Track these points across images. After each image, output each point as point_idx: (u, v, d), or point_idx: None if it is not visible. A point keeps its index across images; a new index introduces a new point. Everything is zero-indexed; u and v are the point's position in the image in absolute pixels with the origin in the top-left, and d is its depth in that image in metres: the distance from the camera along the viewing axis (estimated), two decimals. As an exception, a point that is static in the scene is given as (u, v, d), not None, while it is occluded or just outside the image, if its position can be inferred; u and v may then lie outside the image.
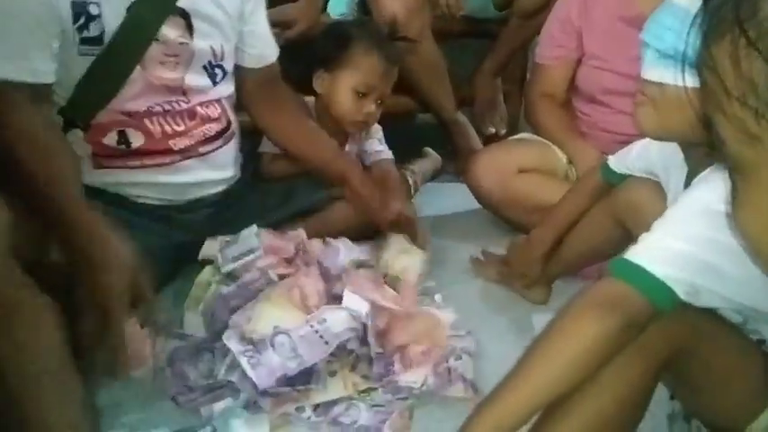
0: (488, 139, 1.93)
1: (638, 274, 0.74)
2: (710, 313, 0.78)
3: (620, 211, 1.12)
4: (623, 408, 0.76)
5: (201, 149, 1.27)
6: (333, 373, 1.05)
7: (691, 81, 0.81)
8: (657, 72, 0.87)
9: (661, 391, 0.86)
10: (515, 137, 1.69)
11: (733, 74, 0.37)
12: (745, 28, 0.36)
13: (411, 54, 1.69)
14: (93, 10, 1.08)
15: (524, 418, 0.75)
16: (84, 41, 1.09)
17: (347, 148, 1.58)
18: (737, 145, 0.39)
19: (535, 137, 1.63)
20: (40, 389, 0.76)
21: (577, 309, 0.75)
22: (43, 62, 1.01)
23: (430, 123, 1.99)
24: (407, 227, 1.40)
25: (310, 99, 1.57)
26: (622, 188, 1.13)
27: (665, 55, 0.86)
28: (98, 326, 0.84)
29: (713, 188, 0.74)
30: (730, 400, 0.80)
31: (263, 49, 1.36)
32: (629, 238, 1.12)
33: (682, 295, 0.73)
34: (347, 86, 1.47)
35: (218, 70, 1.26)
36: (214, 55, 1.24)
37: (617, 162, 1.15)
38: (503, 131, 1.98)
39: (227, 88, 1.30)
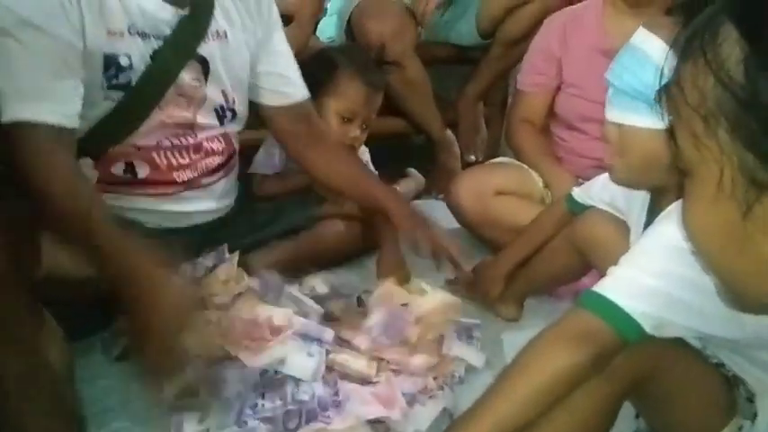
0: (468, 164, 1.99)
1: (608, 308, 0.76)
2: (674, 340, 0.80)
3: (579, 240, 1.17)
4: (590, 429, 0.80)
5: (204, 181, 1.31)
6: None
7: (644, 121, 0.87)
8: (616, 113, 0.90)
9: (627, 409, 0.90)
10: (495, 160, 1.76)
11: (691, 87, 0.44)
12: (705, 50, 0.43)
13: (397, 75, 1.75)
14: (124, 61, 1.11)
15: None
16: (111, 87, 1.12)
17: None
18: (688, 148, 0.45)
19: (514, 161, 1.70)
20: (28, 405, 0.79)
21: (549, 340, 0.78)
22: (72, 106, 1.02)
23: (413, 143, 2.05)
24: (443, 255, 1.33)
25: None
26: (582, 220, 1.18)
27: (623, 93, 0.88)
28: (160, 364, 0.89)
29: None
30: (691, 420, 0.84)
31: (287, 87, 1.35)
32: (588, 266, 1.19)
33: (648, 329, 0.75)
34: (332, 112, 1.52)
35: (228, 113, 1.30)
36: (226, 100, 1.28)
37: (581, 193, 1.21)
38: (480, 158, 2.04)
39: (234, 127, 1.34)
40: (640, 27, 0.89)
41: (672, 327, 0.76)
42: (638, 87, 0.85)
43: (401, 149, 2.08)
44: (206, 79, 1.23)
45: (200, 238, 1.36)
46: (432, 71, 1.89)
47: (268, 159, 1.58)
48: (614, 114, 0.90)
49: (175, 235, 1.32)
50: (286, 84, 1.36)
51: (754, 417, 0.83)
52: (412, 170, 2.03)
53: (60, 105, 1.00)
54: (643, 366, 0.79)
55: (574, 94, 1.59)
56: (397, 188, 1.87)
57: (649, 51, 0.85)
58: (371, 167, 1.65)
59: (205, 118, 1.26)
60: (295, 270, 1.39)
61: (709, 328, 0.77)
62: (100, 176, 1.20)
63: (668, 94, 0.47)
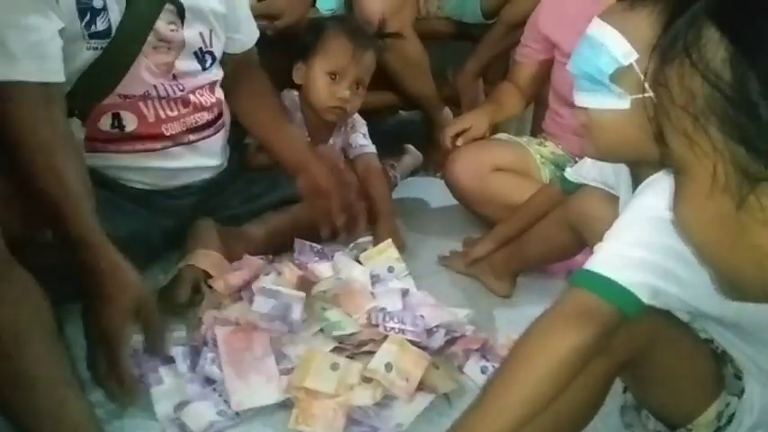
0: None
1: (603, 284, 0.74)
2: (667, 315, 0.80)
3: (573, 217, 1.18)
4: (580, 408, 0.79)
5: (192, 137, 1.31)
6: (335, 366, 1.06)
7: (607, 103, 0.90)
8: (582, 98, 0.93)
9: (615, 384, 0.89)
10: (493, 137, 1.74)
11: (678, 88, 0.46)
12: (690, 53, 0.44)
13: (394, 51, 1.73)
14: (98, 4, 1.11)
15: None
16: (92, 36, 1.11)
17: (331, 141, 1.63)
18: (679, 147, 0.47)
19: (512, 137, 1.70)
20: (30, 346, 0.78)
21: (548, 325, 0.76)
22: (55, 61, 1.00)
23: (411, 120, 2.04)
24: (352, 227, 1.39)
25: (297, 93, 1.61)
26: (575, 197, 1.19)
27: (584, 81, 0.92)
28: (105, 356, 0.87)
29: (659, 194, 0.76)
30: (680, 396, 0.84)
31: (245, 35, 1.40)
32: (582, 243, 1.19)
33: (646, 299, 0.74)
34: (320, 71, 1.52)
35: (207, 56, 1.31)
36: (203, 41, 1.28)
37: (573, 172, 1.22)
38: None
39: (216, 74, 1.34)
40: (595, 17, 0.91)
41: (666, 297, 0.76)
42: (594, 73, 0.89)
43: (399, 126, 2.07)
44: (182, 23, 1.23)
45: (193, 203, 1.36)
46: (430, 47, 1.88)
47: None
48: (580, 100, 0.94)
49: (167, 199, 1.32)
50: (247, 31, 1.40)
51: (741, 393, 0.84)
52: (409, 147, 2.03)
53: (44, 62, 0.98)
54: (638, 343, 0.79)
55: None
56: (394, 163, 1.87)
57: (602, 39, 0.88)
58: (368, 141, 1.65)
59: (185, 65, 1.26)
60: (289, 241, 1.39)
61: (697, 300, 0.76)
62: (88, 134, 1.19)
63: (656, 96, 0.48)
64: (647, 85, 0.77)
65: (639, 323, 0.77)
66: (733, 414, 0.83)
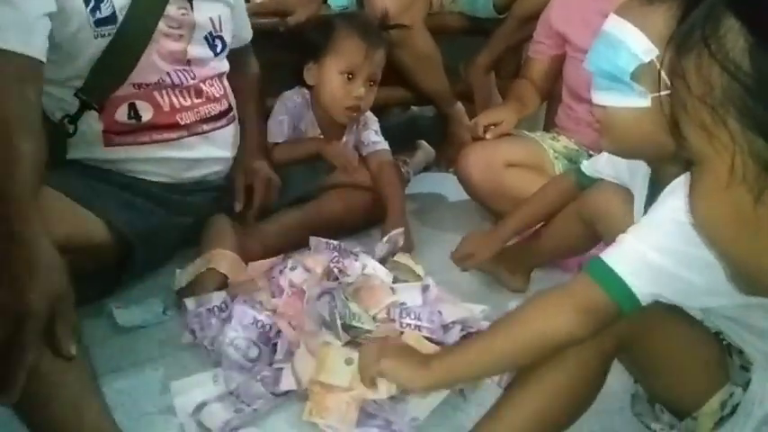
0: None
1: (611, 280, 0.78)
2: (667, 304, 0.81)
3: (590, 212, 1.17)
4: (579, 385, 0.83)
5: (206, 127, 1.33)
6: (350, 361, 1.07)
7: (626, 101, 0.89)
8: (600, 96, 0.92)
9: (625, 374, 0.93)
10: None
11: (696, 78, 0.45)
12: (708, 43, 0.44)
13: (406, 47, 1.74)
14: None
15: (475, 375, 0.92)
16: (98, 23, 1.12)
17: (344, 139, 1.63)
18: (696, 139, 0.46)
19: (524, 132, 1.69)
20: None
21: (555, 302, 0.81)
22: (38, 37, 0.99)
23: (423, 115, 2.04)
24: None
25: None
26: (591, 191, 1.18)
27: (603, 79, 0.90)
28: (5, 342, 0.73)
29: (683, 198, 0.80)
30: (684, 385, 0.85)
31: (241, 31, 1.45)
32: (596, 238, 1.19)
33: (643, 302, 0.77)
34: (334, 71, 1.52)
35: (217, 41, 1.33)
36: (213, 26, 1.31)
37: (589, 166, 1.21)
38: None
39: (224, 64, 1.38)
40: (611, 14, 0.90)
41: (670, 301, 0.78)
42: (614, 72, 0.87)
43: (411, 122, 2.08)
44: (191, 7, 1.26)
45: (209, 200, 1.38)
46: (442, 42, 1.87)
47: (276, 127, 1.58)
48: (598, 98, 0.93)
49: (183, 196, 1.33)
50: (243, 27, 1.47)
51: (746, 384, 0.84)
52: (422, 142, 2.03)
53: (28, 36, 0.97)
54: (634, 323, 0.81)
55: (580, 59, 1.58)
56: (407, 159, 1.87)
57: (621, 36, 0.87)
58: (380, 137, 1.65)
59: (197, 51, 1.29)
60: (302, 239, 1.40)
61: (710, 303, 0.79)
62: (105, 127, 1.21)
63: (672, 87, 0.48)
64: (667, 82, 0.79)
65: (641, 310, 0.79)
66: (737, 405, 0.83)
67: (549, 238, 1.31)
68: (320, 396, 1.02)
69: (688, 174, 0.80)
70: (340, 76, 1.52)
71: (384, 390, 1.03)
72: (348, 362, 1.06)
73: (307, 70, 1.57)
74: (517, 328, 0.83)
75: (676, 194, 0.80)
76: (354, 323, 1.15)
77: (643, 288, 0.77)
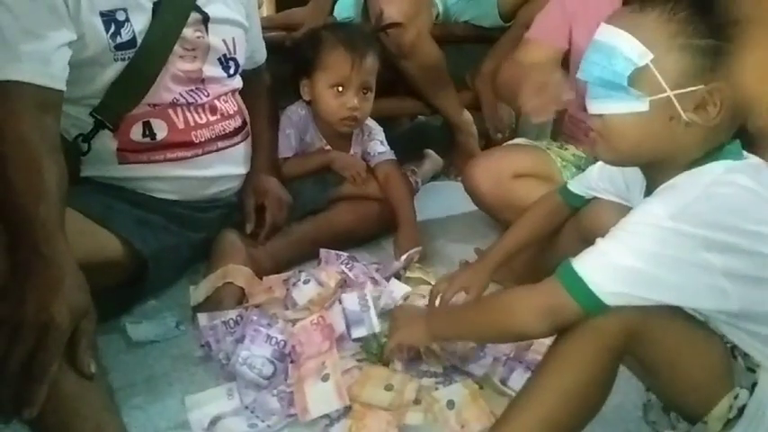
0: (487, 144, 1.99)
1: (578, 286, 0.81)
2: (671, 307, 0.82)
3: (584, 231, 1.15)
4: (584, 387, 0.82)
5: (220, 144, 1.34)
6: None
7: (625, 107, 0.90)
8: (597, 105, 0.91)
9: (639, 381, 0.93)
10: (512, 142, 1.74)
11: None
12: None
13: (413, 58, 1.74)
14: (120, 16, 1.14)
15: (458, 338, 1.09)
16: (119, 47, 1.15)
17: (351, 150, 1.64)
18: None
19: (532, 142, 1.69)
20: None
21: (522, 300, 0.87)
22: (57, 68, 1.02)
23: (431, 124, 2.05)
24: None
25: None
26: (586, 211, 1.17)
27: (599, 87, 0.90)
28: (28, 355, 0.75)
29: (668, 202, 0.80)
30: (692, 387, 0.85)
31: (254, 53, 1.48)
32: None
33: (611, 306, 0.80)
34: (324, 86, 1.53)
35: (231, 63, 1.35)
36: (227, 48, 1.32)
37: (578, 184, 1.19)
38: (507, 134, 2.03)
39: (238, 81, 1.39)
40: (602, 24, 0.90)
41: (640, 302, 0.80)
42: (610, 78, 0.87)
43: (419, 131, 2.08)
44: (206, 30, 1.28)
45: (221, 216, 1.39)
46: (448, 52, 1.88)
47: (284, 141, 1.59)
48: (595, 107, 0.92)
49: (196, 212, 1.34)
50: (258, 49, 1.52)
51: (752, 386, 0.84)
52: (430, 151, 2.04)
53: (47, 66, 0.99)
54: (631, 323, 0.81)
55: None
56: (415, 168, 1.87)
57: (614, 42, 0.87)
58: (386, 147, 1.65)
59: (211, 71, 1.31)
60: (313, 252, 1.41)
61: (693, 302, 0.82)
62: (120, 146, 1.22)
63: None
64: (664, 85, 0.80)
65: (631, 306, 0.80)
66: (743, 406, 0.83)
67: (552, 254, 1.28)
68: (360, 413, 1.04)
69: (672, 181, 0.83)
70: (330, 89, 1.53)
71: (421, 417, 1.05)
72: (388, 388, 1.08)
73: (302, 87, 1.58)
74: (486, 312, 0.94)
75: (653, 200, 0.84)
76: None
77: (607, 288, 0.79)
